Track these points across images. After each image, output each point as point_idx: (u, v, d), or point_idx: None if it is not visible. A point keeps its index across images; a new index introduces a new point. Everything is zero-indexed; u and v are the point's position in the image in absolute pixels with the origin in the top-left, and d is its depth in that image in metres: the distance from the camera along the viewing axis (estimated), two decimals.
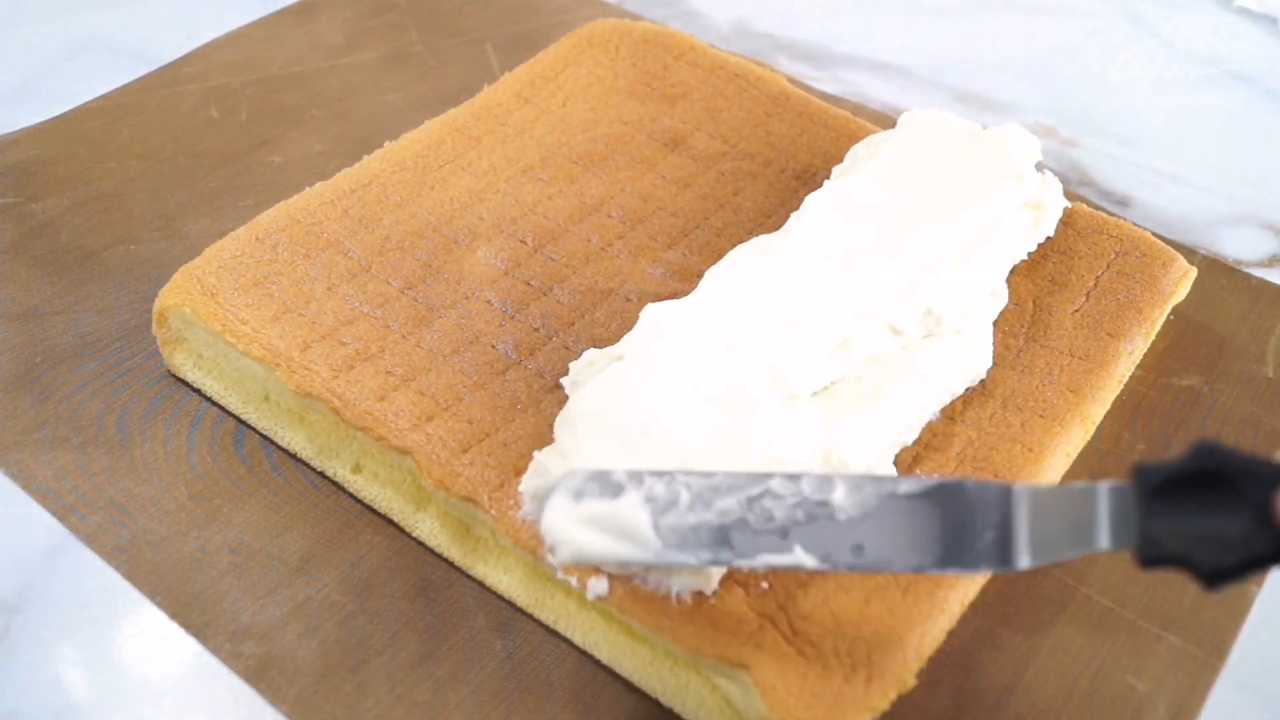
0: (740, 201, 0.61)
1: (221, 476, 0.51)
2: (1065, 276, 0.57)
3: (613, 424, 0.44)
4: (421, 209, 0.58)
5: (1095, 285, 0.57)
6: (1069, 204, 0.60)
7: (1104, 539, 0.38)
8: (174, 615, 0.47)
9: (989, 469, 0.49)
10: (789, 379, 0.46)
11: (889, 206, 0.54)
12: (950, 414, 0.51)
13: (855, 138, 0.63)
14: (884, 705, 0.41)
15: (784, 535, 0.40)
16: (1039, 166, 0.58)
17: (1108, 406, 0.53)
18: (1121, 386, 0.55)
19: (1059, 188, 0.58)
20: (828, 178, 0.58)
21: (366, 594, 0.47)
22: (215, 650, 0.46)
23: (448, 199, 0.59)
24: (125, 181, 0.66)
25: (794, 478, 0.40)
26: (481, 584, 0.48)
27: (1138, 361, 0.56)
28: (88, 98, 0.71)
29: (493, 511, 0.45)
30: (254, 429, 0.53)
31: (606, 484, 0.41)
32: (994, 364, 0.53)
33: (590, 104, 0.66)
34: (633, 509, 0.40)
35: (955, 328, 0.51)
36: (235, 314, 0.52)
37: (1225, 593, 0.49)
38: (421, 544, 0.49)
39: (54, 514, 0.50)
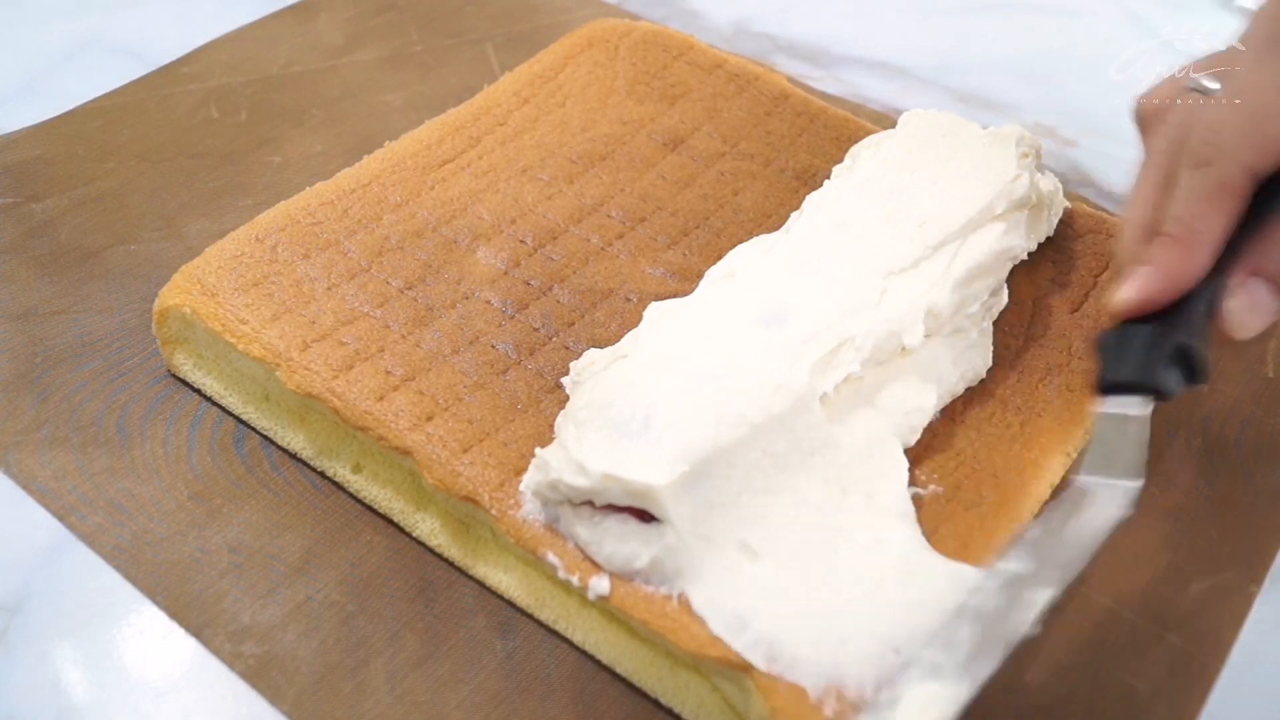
0: (740, 201, 0.61)
1: (221, 476, 0.51)
2: (1065, 276, 0.57)
3: (614, 416, 0.44)
4: (421, 209, 0.58)
5: (1095, 285, 0.56)
6: (1069, 204, 0.60)
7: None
8: (174, 615, 0.47)
9: (989, 469, 0.49)
10: (789, 379, 0.46)
11: (889, 206, 0.54)
12: (950, 414, 0.51)
13: (855, 138, 0.63)
14: None
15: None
16: (1039, 166, 0.58)
17: None
18: None
19: (1059, 188, 0.58)
20: (828, 178, 0.58)
21: (366, 594, 0.47)
22: (215, 650, 0.46)
23: (447, 199, 0.59)
24: (125, 181, 0.66)
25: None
26: (482, 584, 0.48)
27: None
28: (88, 98, 0.71)
29: (493, 511, 0.45)
30: (254, 429, 0.53)
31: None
32: (994, 364, 0.53)
33: (590, 104, 0.66)
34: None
35: (955, 327, 0.51)
36: (235, 314, 0.52)
37: (1225, 593, 0.49)
38: (421, 544, 0.49)
39: (54, 514, 0.50)
